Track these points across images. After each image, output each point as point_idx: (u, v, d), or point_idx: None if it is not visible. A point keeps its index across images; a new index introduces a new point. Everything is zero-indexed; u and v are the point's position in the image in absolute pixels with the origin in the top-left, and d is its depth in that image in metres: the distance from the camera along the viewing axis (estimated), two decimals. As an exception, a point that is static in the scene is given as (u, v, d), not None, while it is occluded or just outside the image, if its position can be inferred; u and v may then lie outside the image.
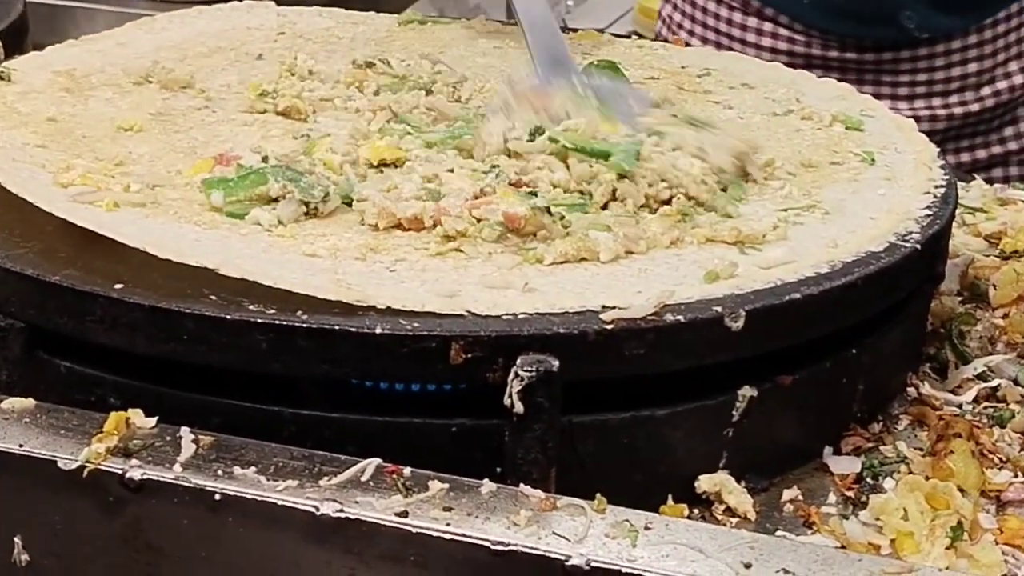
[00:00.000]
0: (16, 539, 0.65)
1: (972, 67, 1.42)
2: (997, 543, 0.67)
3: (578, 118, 0.83)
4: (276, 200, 0.75)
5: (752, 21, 1.44)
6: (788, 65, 1.43)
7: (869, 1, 1.37)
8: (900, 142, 0.94)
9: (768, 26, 1.43)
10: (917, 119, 1.36)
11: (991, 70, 1.42)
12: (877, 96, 1.42)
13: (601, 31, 1.22)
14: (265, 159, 0.80)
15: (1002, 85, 1.43)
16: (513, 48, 1.06)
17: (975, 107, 1.42)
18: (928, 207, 0.82)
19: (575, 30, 1.19)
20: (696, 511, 0.70)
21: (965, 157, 1.45)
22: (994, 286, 0.94)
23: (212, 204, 0.76)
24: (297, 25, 1.12)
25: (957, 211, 1.06)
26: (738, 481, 0.71)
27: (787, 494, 0.72)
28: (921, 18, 1.38)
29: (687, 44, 1.42)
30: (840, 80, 1.43)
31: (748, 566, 0.58)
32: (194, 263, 0.68)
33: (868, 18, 1.39)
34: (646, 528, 0.61)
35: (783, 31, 1.43)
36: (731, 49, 1.45)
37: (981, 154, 1.43)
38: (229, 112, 0.91)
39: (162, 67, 0.97)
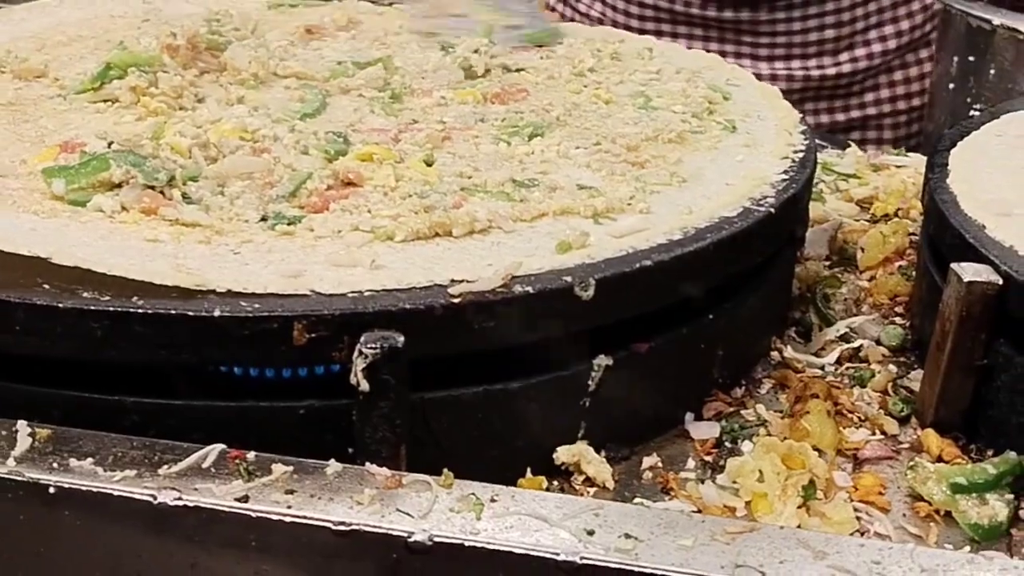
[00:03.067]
0: None
1: (829, 32, 1.44)
2: (851, 500, 0.68)
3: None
4: (120, 186, 0.74)
5: None
6: (654, 20, 1.44)
7: None
8: (764, 109, 0.94)
9: None
10: (774, 78, 1.37)
11: (849, 36, 1.45)
12: (739, 55, 1.44)
13: None
14: (110, 145, 0.78)
15: (860, 52, 1.46)
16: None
17: (832, 71, 1.45)
18: (785, 172, 0.82)
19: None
20: (555, 483, 0.69)
21: (824, 118, 1.48)
22: (862, 249, 0.94)
23: (53, 192, 0.74)
24: (163, 12, 1.09)
25: (831, 178, 1.08)
26: (598, 451, 0.71)
27: (647, 461, 0.71)
28: None
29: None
30: (704, 37, 1.44)
31: (591, 533, 0.58)
32: (27, 252, 0.66)
33: None
34: (491, 501, 0.60)
35: None
36: (615, 8, 1.45)
37: (840, 117, 1.46)
38: (82, 101, 0.89)
39: (15, 56, 0.94)
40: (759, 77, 1.06)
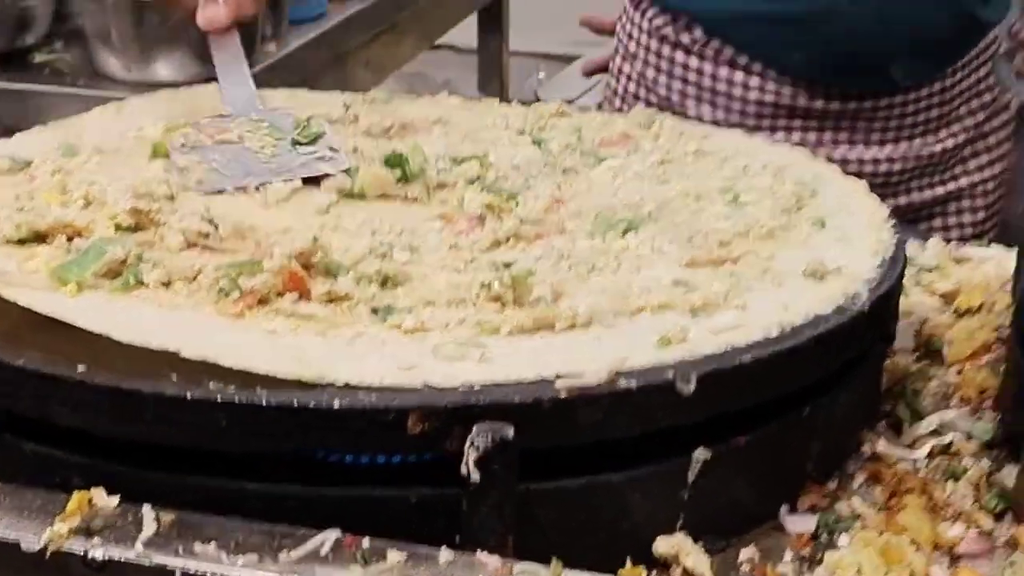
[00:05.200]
0: (-18, 621, 0.66)
1: (935, 112, 1.48)
2: (950, 596, 0.69)
3: (253, 141, 0.97)
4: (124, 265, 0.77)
5: (738, 76, 1.47)
6: (771, 117, 1.47)
7: (867, 53, 1.41)
8: (851, 204, 0.96)
9: (756, 80, 1.46)
10: (891, 160, 1.40)
11: (948, 115, 1.49)
12: (850, 142, 1.47)
13: (571, 101, 1.24)
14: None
15: (956, 128, 1.50)
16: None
17: (937, 148, 1.49)
18: (877, 268, 0.84)
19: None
20: (655, 573, 0.71)
21: (927, 194, 1.51)
22: (948, 343, 0.96)
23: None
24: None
25: (914, 271, 1.09)
26: (695, 542, 0.72)
27: (744, 554, 0.73)
28: (908, 67, 1.43)
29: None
30: (818, 128, 1.47)
31: (699, 625, 0.59)
32: (157, 346, 0.69)
33: (861, 69, 1.43)
34: (600, 591, 0.62)
35: (771, 84, 1.46)
36: (713, 104, 1.48)
37: (939, 191, 1.49)
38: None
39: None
40: (876, 162, 1.10)
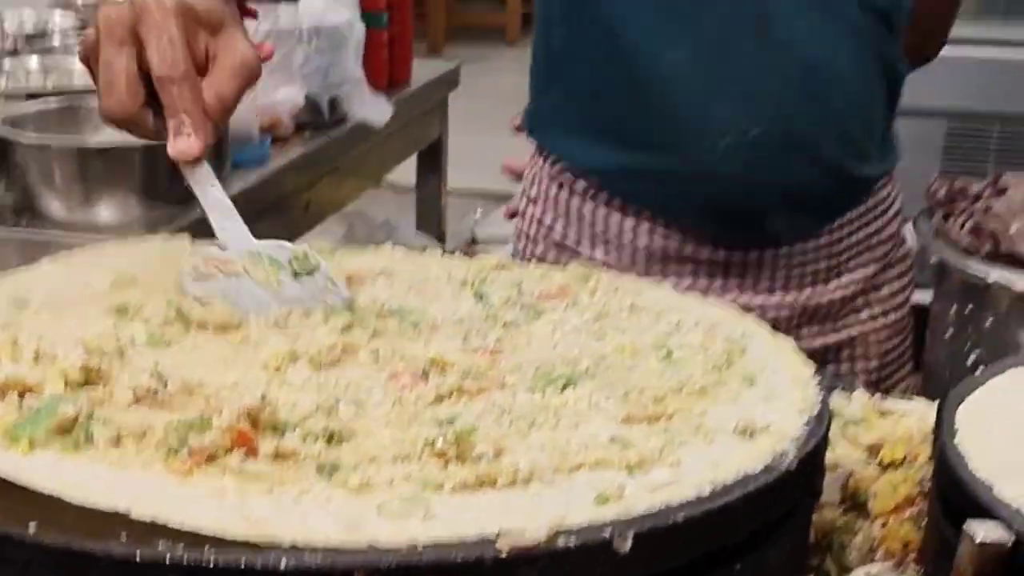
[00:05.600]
0: None
1: (823, 264, 1.56)
2: None
3: (257, 274, 1.01)
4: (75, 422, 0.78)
5: (629, 222, 1.53)
6: (660, 262, 1.54)
7: (741, 207, 1.48)
8: (778, 362, 1.00)
9: (645, 226, 1.52)
10: (779, 307, 1.47)
11: (837, 267, 1.57)
12: (739, 289, 1.54)
13: (508, 240, 1.29)
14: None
15: (846, 280, 1.58)
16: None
17: (824, 299, 1.55)
18: (804, 425, 0.88)
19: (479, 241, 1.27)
20: None
21: (818, 342, 1.57)
22: (873, 496, 0.99)
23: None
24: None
25: (840, 423, 1.13)
26: None
27: None
28: (788, 221, 1.50)
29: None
30: (708, 275, 1.54)
31: None
32: (106, 506, 0.71)
33: (740, 222, 1.50)
34: None
35: (660, 230, 1.53)
36: (606, 248, 1.54)
37: (831, 339, 1.55)
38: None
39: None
40: (763, 308, 1.15)
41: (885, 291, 1.60)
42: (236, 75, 1.02)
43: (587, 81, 1.52)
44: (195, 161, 1.04)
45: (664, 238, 1.53)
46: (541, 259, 1.60)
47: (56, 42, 2.42)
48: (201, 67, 1.01)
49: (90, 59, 1.01)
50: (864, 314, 1.59)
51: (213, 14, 1.02)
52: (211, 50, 1.01)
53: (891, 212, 1.61)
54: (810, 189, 1.49)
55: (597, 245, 1.56)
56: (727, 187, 1.46)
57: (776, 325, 1.52)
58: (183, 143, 1.01)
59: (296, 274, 1.04)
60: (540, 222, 1.63)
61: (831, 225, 1.54)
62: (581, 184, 1.56)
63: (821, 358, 1.57)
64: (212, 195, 1.07)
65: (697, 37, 1.44)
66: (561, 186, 1.59)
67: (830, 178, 1.50)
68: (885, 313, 1.60)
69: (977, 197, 1.32)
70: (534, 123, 1.61)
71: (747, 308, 1.51)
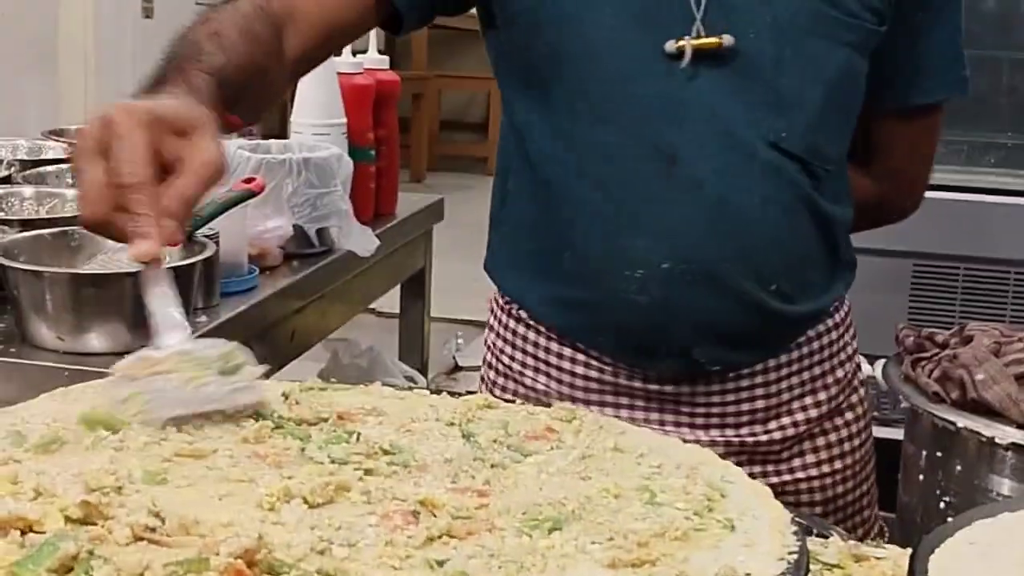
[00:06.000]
0: None
1: (760, 403, 1.57)
2: None
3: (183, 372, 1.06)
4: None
5: (567, 351, 1.57)
6: (598, 392, 1.56)
7: (661, 339, 1.51)
8: (757, 508, 1.03)
9: (581, 356, 1.56)
10: (713, 443, 1.48)
11: (776, 407, 1.57)
12: (677, 424, 1.55)
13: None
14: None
15: (786, 420, 1.58)
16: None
17: (764, 438, 1.56)
18: (783, 573, 0.90)
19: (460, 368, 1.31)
20: None
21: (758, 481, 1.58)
22: (850, 643, 1.02)
23: None
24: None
25: (817, 568, 1.16)
26: None
27: None
28: (709, 353, 1.52)
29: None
30: (644, 408, 1.56)
31: None
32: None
33: (662, 353, 1.53)
34: None
35: (593, 361, 1.56)
36: (560, 382, 1.57)
37: (773, 479, 1.55)
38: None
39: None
40: (698, 442, 1.16)
41: (833, 437, 1.59)
42: (199, 175, 1.07)
43: (521, 217, 1.59)
44: (152, 262, 1.10)
45: (599, 370, 1.56)
46: (497, 388, 1.64)
47: (50, 171, 2.47)
48: (169, 169, 1.06)
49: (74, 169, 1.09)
50: (809, 458, 1.58)
51: (183, 119, 1.08)
52: (179, 153, 1.07)
53: (840, 357, 1.60)
54: (730, 324, 1.50)
55: (540, 373, 1.60)
56: (645, 318, 1.49)
57: None
58: (140, 245, 1.06)
59: (222, 372, 1.09)
60: (492, 348, 1.67)
61: (767, 365, 1.55)
62: (524, 314, 1.61)
63: None
64: (156, 295, 1.12)
65: (608, 175, 1.49)
66: (510, 314, 1.64)
67: (751, 315, 1.50)
68: (831, 459, 1.59)
69: (944, 345, 1.36)
70: (488, 258, 1.67)
71: (685, 442, 1.54)
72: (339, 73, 2.68)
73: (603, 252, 1.50)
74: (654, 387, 1.54)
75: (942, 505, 1.32)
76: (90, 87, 5.34)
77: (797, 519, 1.01)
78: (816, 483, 1.58)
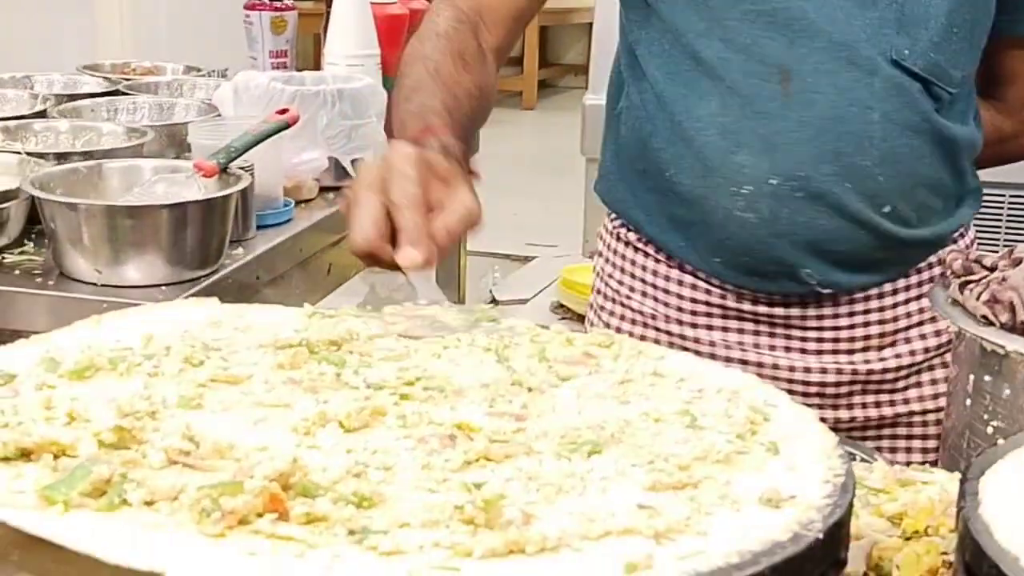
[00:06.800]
0: None
1: (874, 329, 1.54)
2: None
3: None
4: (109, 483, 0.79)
5: (675, 273, 1.56)
6: (706, 316, 1.55)
7: (770, 258, 1.49)
8: (802, 431, 1.01)
9: (688, 279, 1.55)
10: (824, 371, 1.46)
11: (892, 334, 1.54)
12: (787, 349, 1.54)
13: (525, 301, 1.33)
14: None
15: (903, 349, 1.55)
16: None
17: (878, 366, 1.53)
18: (829, 496, 0.88)
19: (498, 302, 1.31)
20: None
21: (872, 412, 1.55)
22: (897, 567, 1.00)
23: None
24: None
25: (862, 492, 1.14)
26: None
27: None
28: (820, 274, 1.50)
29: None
30: (754, 332, 1.54)
31: None
32: (145, 567, 0.72)
33: (771, 274, 1.51)
34: None
35: (701, 283, 1.55)
36: (667, 305, 1.56)
37: (887, 411, 1.53)
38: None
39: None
40: (808, 370, 1.16)
41: (954, 371, 1.58)
42: (460, 215, 1.20)
43: (632, 137, 1.60)
44: (422, 267, 1.21)
45: (706, 292, 1.55)
46: (605, 313, 1.65)
47: (85, 104, 2.46)
48: (432, 211, 1.19)
49: (346, 207, 1.22)
50: (927, 390, 1.56)
51: (445, 169, 1.23)
52: (442, 197, 1.20)
53: None
54: (840, 244, 1.50)
55: (647, 298, 1.59)
56: (753, 236, 1.48)
57: (823, 388, 1.52)
58: (408, 251, 1.18)
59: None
60: (599, 274, 1.68)
61: (882, 289, 1.53)
62: (632, 236, 1.61)
63: (876, 432, 1.56)
64: (421, 280, 1.22)
65: (723, 91, 1.50)
66: (618, 239, 1.64)
67: (863, 236, 1.50)
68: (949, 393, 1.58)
69: (992, 268, 1.33)
70: (599, 181, 1.69)
71: (793, 368, 1.52)
72: (372, 3, 2.64)
73: (714, 169, 1.50)
74: (763, 310, 1.53)
75: (990, 430, 1.28)
76: (126, 22, 5.32)
77: (843, 444, 0.99)
78: (932, 416, 1.56)
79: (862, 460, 1.21)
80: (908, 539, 1.04)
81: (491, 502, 0.82)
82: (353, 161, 2.40)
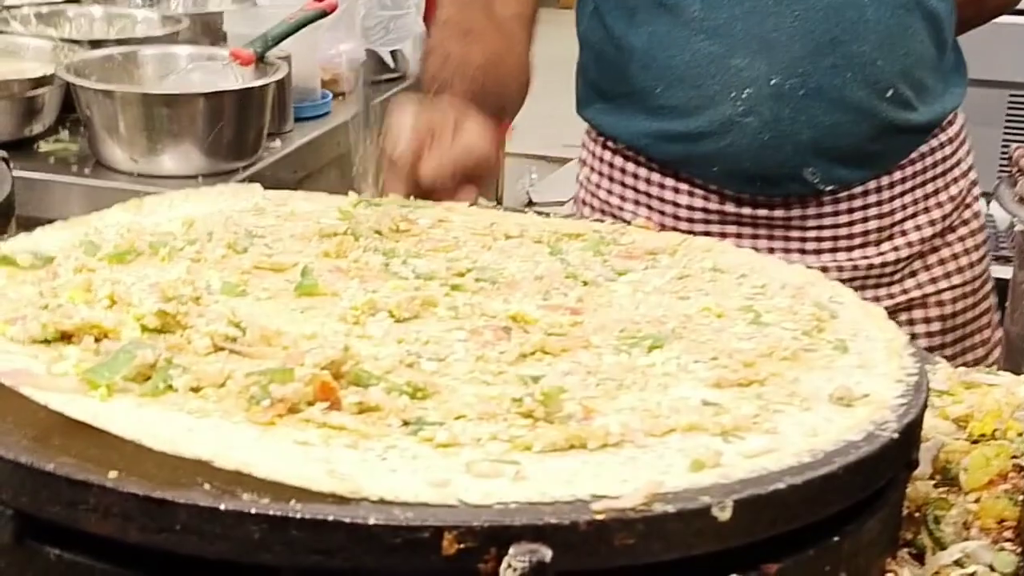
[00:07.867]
0: None
1: (872, 223, 1.52)
2: None
3: None
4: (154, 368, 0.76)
5: (669, 181, 1.52)
6: (703, 222, 1.51)
7: (774, 162, 1.45)
8: (871, 329, 0.96)
9: (684, 186, 1.51)
10: (824, 270, 1.43)
11: (890, 227, 1.52)
12: (787, 250, 1.51)
13: (563, 203, 1.28)
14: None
15: (899, 241, 1.53)
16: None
17: (877, 260, 1.52)
18: (902, 395, 0.84)
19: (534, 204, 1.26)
20: None
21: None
22: (965, 470, 0.96)
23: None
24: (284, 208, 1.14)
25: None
26: (726, 671, 0.71)
27: None
28: (823, 172, 1.47)
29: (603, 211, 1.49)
30: (752, 235, 1.51)
31: None
32: (190, 455, 0.69)
33: (774, 178, 1.47)
34: None
35: (698, 190, 1.51)
36: (649, 207, 1.53)
37: (886, 302, 1.52)
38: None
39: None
40: (809, 268, 1.12)
41: (946, 252, 1.55)
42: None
43: (612, 57, 1.53)
44: None
45: (703, 198, 1.51)
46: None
47: (118, -9, 2.40)
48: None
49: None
50: (923, 276, 1.55)
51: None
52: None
53: (954, 173, 1.55)
54: (845, 138, 1.45)
55: (640, 207, 1.55)
56: (756, 140, 1.44)
57: None
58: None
59: None
60: (586, 183, 1.62)
61: (879, 183, 1.50)
62: (622, 146, 1.56)
63: None
64: None
65: None
66: (606, 146, 1.59)
67: (867, 126, 1.46)
68: (948, 275, 1.55)
69: (1061, 166, 1.27)
70: (579, 105, 1.61)
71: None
72: None
73: (710, 76, 1.44)
74: (763, 212, 1.49)
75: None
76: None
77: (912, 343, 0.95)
78: (932, 299, 1.54)
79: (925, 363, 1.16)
80: (975, 442, 1.00)
81: (550, 395, 0.78)
82: (393, 53, 2.34)
